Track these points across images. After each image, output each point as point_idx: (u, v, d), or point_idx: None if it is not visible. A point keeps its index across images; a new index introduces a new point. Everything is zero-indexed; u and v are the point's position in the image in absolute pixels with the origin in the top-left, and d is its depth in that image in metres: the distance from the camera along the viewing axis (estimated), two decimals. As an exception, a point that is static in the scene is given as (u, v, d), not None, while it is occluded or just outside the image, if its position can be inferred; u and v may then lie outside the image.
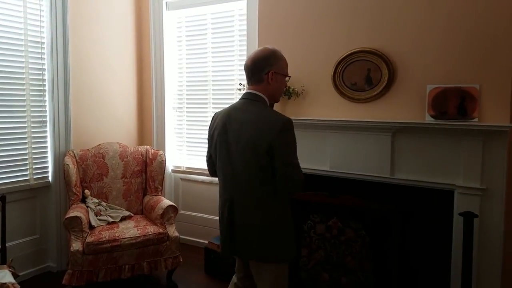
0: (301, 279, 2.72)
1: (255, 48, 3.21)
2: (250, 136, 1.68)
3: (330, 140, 2.65)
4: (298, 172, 1.68)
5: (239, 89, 3.06)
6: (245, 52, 3.39)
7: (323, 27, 2.68)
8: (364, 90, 2.55)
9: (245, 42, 3.40)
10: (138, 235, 2.86)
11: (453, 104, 2.26)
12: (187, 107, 3.95)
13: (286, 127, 1.67)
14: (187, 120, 3.96)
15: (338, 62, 2.60)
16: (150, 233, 2.91)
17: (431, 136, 2.33)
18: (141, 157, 3.49)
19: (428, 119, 2.33)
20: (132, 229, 2.92)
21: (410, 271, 2.42)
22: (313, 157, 2.74)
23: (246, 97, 1.81)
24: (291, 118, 2.65)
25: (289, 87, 2.74)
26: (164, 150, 3.92)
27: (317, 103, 2.74)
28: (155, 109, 3.99)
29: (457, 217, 2.29)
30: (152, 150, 3.52)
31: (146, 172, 3.47)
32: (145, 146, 3.60)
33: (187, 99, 3.94)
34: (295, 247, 1.85)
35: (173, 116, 4.03)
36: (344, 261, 2.51)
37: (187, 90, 3.92)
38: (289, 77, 1.89)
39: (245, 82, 2.58)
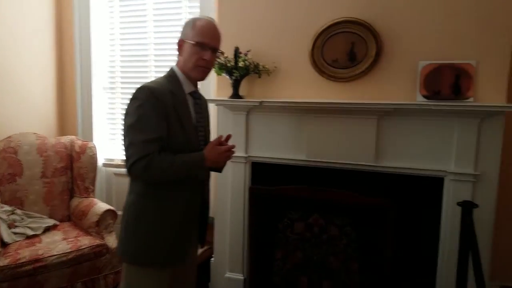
0: (275, 285, 2.43)
1: (211, 13, 2.79)
2: None
3: (307, 125, 2.37)
4: (128, 151, 1.46)
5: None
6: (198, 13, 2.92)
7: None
8: (347, 68, 2.29)
9: (198, 4, 2.93)
10: (69, 250, 2.32)
11: (447, 82, 2.11)
12: (121, 87, 3.37)
13: (134, 95, 1.49)
14: (121, 103, 3.39)
15: (318, 34, 2.29)
16: (84, 247, 2.38)
17: (422, 119, 2.17)
18: (65, 150, 2.87)
19: (420, 99, 2.15)
20: (60, 243, 2.36)
21: (399, 267, 2.27)
22: (287, 145, 2.43)
23: None
24: (262, 100, 2.37)
25: (257, 63, 2.38)
26: (92, 139, 3.31)
27: (291, 83, 2.42)
28: (80, 90, 3.33)
29: (447, 207, 2.18)
30: (80, 142, 2.92)
31: (73, 169, 2.87)
32: (70, 137, 2.98)
33: (121, 77, 3.35)
34: (146, 252, 1.53)
35: (104, 98, 3.42)
36: (326, 262, 2.27)
37: (121, 66, 3.34)
38: (198, 44, 1.54)
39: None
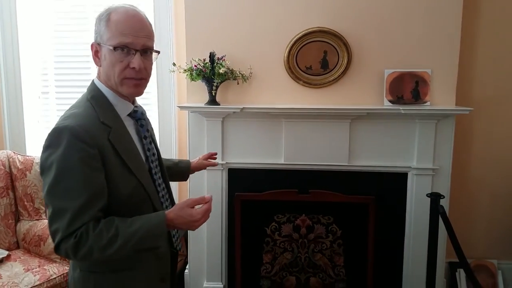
0: (260, 288, 2.67)
1: (169, 12, 2.85)
2: None
3: (284, 130, 2.61)
4: (52, 224, 1.08)
5: (172, 71, 2.62)
6: (152, 13, 2.90)
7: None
8: (320, 74, 2.59)
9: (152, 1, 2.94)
10: (39, 282, 2.22)
11: (409, 88, 2.55)
12: (56, 92, 3.20)
13: (48, 141, 1.11)
14: (57, 110, 3.22)
15: (293, 42, 2.54)
16: (55, 276, 2.30)
17: (388, 121, 2.58)
18: (3, 168, 2.66)
19: (386, 103, 2.56)
20: (25, 276, 2.24)
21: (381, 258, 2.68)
22: (265, 149, 2.63)
23: None
24: (243, 106, 2.54)
25: (232, 69, 2.54)
26: (25, 152, 3.10)
27: (267, 89, 2.63)
28: (6, 97, 3.08)
29: (411, 197, 2.65)
30: (20, 157, 2.73)
31: (15, 189, 2.68)
32: (5, 151, 2.76)
33: (56, 80, 3.18)
34: None
35: (37, 105, 3.20)
36: (313, 259, 2.58)
37: (56, 68, 3.16)
38: (119, 47, 1.17)
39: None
